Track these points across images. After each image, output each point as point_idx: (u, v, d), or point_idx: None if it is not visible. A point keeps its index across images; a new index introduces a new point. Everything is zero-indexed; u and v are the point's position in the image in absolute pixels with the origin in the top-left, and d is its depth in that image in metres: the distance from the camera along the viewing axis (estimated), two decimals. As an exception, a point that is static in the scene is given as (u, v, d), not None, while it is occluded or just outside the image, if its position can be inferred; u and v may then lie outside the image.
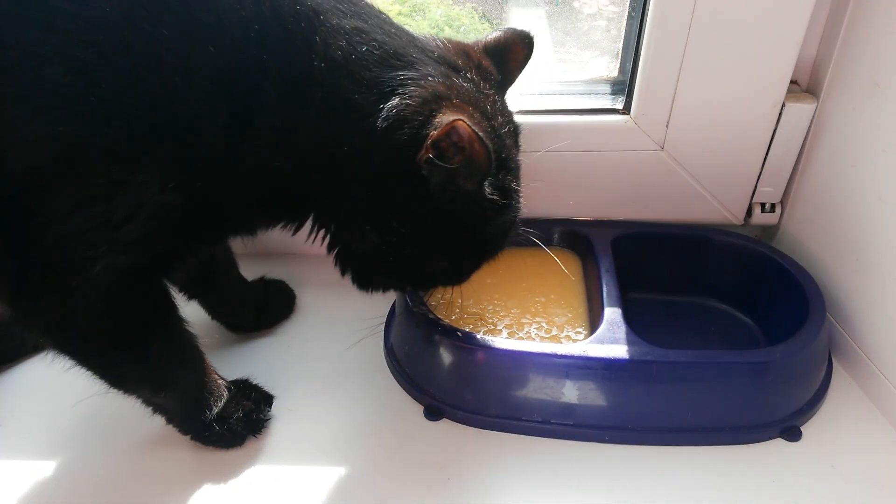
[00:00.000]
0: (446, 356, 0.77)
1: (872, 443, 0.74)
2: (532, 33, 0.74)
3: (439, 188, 0.59)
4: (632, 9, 0.87)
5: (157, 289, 0.64)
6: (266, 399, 0.79)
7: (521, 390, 0.75)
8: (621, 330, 0.75)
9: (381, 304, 0.90)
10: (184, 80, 0.53)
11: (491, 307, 0.87)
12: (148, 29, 0.52)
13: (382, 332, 0.88)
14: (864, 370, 0.80)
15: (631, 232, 0.93)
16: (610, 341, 0.74)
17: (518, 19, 1.02)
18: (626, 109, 0.90)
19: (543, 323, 0.85)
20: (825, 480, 0.70)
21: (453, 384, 0.78)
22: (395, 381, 0.83)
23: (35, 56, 0.49)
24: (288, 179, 0.61)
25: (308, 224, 0.68)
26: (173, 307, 0.66)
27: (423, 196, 0.60)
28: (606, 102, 0.93)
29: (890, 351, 0.76)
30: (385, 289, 0.72)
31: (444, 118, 0.56)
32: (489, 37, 0.74)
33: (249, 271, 0.91)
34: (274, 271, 0.97)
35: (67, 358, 0.62)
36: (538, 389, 0.74)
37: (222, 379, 0.75)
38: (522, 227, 0.72)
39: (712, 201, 0.95)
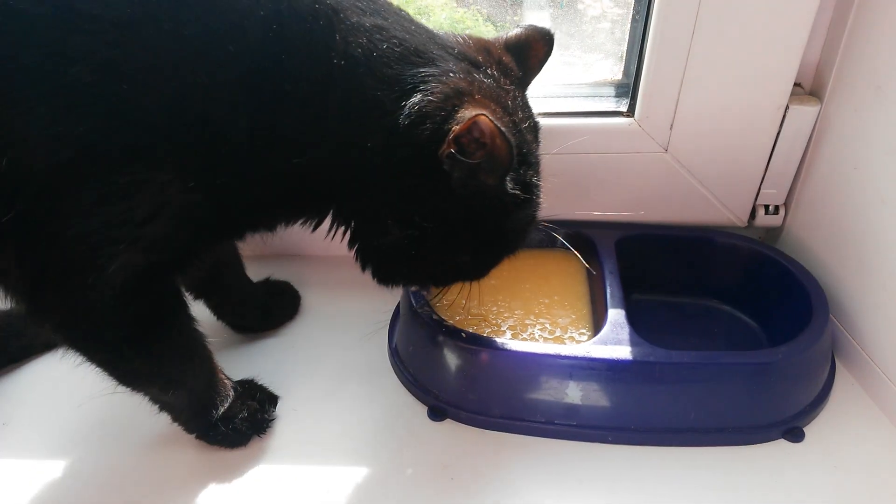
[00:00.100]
0: (450, 357, 0.77)
1: (875, 444, 0.74)
2: (553, 31, 0.75)
3: (461, 183, 0.59)
4: (636, 11, 0.87)
5: (170, 288, 0.65)
6: (271, 399, 0.79)
7: (524, 391, 0.75)
8: (625, 331, 0.76)
9: (385, 303, 0.91)
10: (205, 80, 0.54)
11: (495, 308, 0.87)
12: (170, 29, 0.52)
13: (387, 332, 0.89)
14: (867, 371, 0.80)
15: (635, 234, 0.93)
16: (613, 342, 0.74)
17: (522, 22, 1.03)
18: (630, 112, 0.91)
19: (547, 324, 0.85)
20: (828, 481, 0.70)
21: (457, 385, 0.78)
22: (398, 382, 0.83)
23: (59, 56, 0.50)
24: (309, 176, 0.61)
25: (328, 220, 0.68)
26: (184, 306, 0.67)
27: (445, 191, 0.60)
28: (610, 105, 0.93)
29: (893, 352, 0.76)
30: (405, 284, 0.73)
31: (466, 113, 0.56)
32: (510, 33, 0.74)
33: (255, 272, 0.92)
34: (279, 272, 0.98)
35: (78, 354, 0.62)
36: (541, 390, 0.75)
37: (228, 379, 0.75)
38: (542, 223, 0.72)
39: (716, 203, 0.95)
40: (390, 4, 0.64)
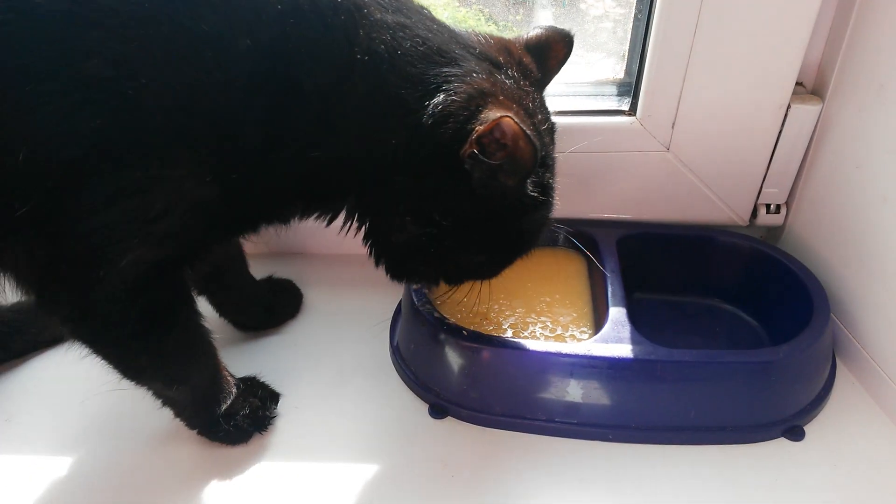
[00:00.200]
0: (451, 355, 0.78)
1: (875, 443, 0.74)
2: (573, 32, 0.75)
3: (481, 184, 0.59)
4: (638, 10, 0.87)
5: (179, 283, 0.65)
6: (272, 397, 0.79)
7: (525, 389, 0.76)
8: (626, 329, 0.76)
9: (387, 302, 0.91)
10: (221, 75, 0.54)
11: (496, 306, 0.88)
12: (186, 25, 0.52)
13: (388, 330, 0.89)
14: (868, 370, 0.80)
15: (636, 232, 0.93)
16: (614, 341, 0.74)
17: (524, 21, 1.03)
18: (632, 111, 0.91)
19: (548, 322, 0.85)
20: (828, 480, 0.70)
21: (458, 383, 0.78)
22: (400, 380, 0.83)
23: (76, 51, 0.50)
24: (326, 170, 0.61)
25: (342, 214, 0.68)
26: (192, 301, 0.67)
27: (465, 191, 0.60)
28: (612, 104, 0.94)
29: (893, 351, 0.76)
30: (418, 280, 0.74)
31: (491, 114, 0.56)
32: (530, 34, 0.74)
33: (258, 270, 0.92)
34: (282, 270, 0.98)
35: (85, 347, 0.63)
36: (543, 388, 0.75)
37: (231, 376, 0.76)
38: (555, 224, 0.72)
39: (718, 202, 0.95)
40: (411, 2, 0.64)
